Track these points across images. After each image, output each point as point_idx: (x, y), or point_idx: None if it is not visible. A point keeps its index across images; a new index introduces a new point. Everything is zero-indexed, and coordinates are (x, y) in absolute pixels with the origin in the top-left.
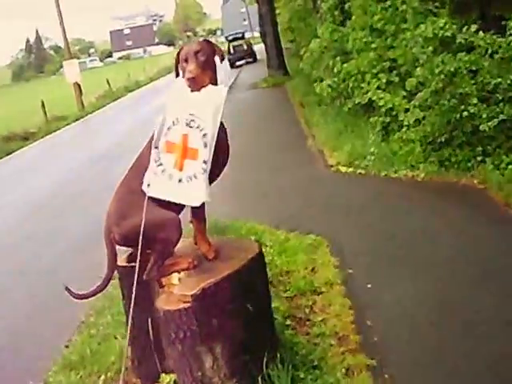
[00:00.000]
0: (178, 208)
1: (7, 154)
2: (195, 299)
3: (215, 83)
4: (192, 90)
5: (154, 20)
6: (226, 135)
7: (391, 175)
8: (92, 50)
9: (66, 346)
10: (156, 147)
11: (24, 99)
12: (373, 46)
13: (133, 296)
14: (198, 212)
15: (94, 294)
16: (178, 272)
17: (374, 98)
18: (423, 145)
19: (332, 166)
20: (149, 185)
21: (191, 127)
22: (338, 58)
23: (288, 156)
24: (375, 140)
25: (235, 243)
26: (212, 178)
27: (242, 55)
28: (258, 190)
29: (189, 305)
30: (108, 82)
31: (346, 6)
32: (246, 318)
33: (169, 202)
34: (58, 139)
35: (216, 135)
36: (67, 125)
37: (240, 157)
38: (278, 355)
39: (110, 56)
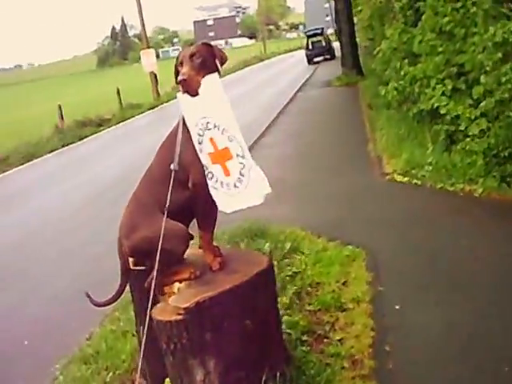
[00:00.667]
0: (187, 219)
1: (80, 139)
2: (188, 312)
3: None
4: (192, 95)
5: (238, 12)
6: None
7: (447, 188)
8: (176, 40)
9: (87, 338)
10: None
11: (104, 85)
12: (440, 49)
13: (148, 300)
14: (204, 222)
15: (108, 303)
16: (180, 282)
17: (438, 105)
18: (486, 157)
19: (388, 174)
20: (221, 204)
21: (210, 129)
22: (406, 61)
23: (345, 160)
24: (435, 149)
25: (245, 256)
26: None
27: (320, 51)
28: (307, 194)
29: (181, 317)
30: None
31: (419, 5)
32: (244, 334)
33: (179, 214)
34: (130, 127)
35: (235, 122)
36: (141, 113)
37: (297, 156)
38: (280, 373)
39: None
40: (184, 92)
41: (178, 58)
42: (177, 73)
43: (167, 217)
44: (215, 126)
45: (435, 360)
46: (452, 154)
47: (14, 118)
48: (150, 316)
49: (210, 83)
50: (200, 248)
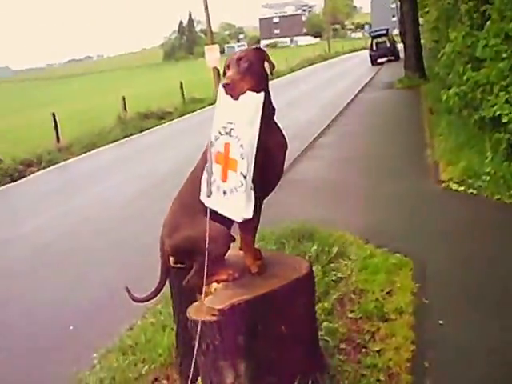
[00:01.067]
0: (230, 221)
1: (141, 131)
2: (222, 314)
3: (258, 91)
4: (233, 98)
5: (304, 10)
6: (283, 152)
7: (505, 200)
8: (241, 36)
9: (129, 329)
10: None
11: (169, 79)
12: (504, 55)
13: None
14: (246, 224)
15: (146, 299)
16: (218, 282)
17: (501, 113)
18: None
19: (443, 181)
20: (205, 196)
21: (231, 136)
22: (470, 65)
23: (401, 164)
24: (494, 159)
25: (286, 260)
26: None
27: (385, 52)
28: (359, 197)
29: (214, 319)
30: None
31: (485, 8)
32: (278, 339)
33: (221, 215)
34: (191, 121)
35: (255, 148)
36: (203, 107)
37: (353, 159)
38: (313, 381)
39: (258, 43)
40: (227, 94)
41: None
42: (225, 74)
43: (210, 218)
44: (236, 137)
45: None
46: None
47: (80, 108)
48: (186, 315)
49: (253, 101)
50: (240, 250)
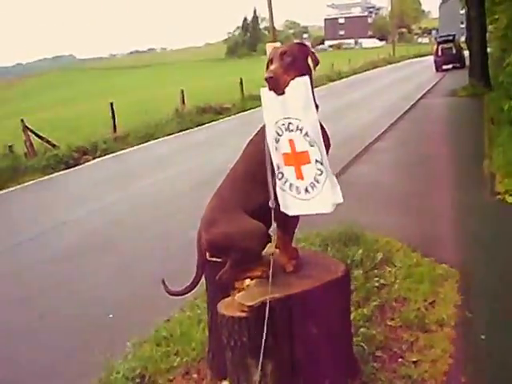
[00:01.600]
0: (268, 219)
1: (197, 125)
2: (252, 311)
3: None
4: (277, 94)
5: (370, 12)
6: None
7: None
8: (305, 36)
9: (167, 320)
10: (273, 165)
11: (230, 75)
12: None
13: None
14: (284, 222)
15: (183, 293)
16: (251, 278)
17: None
18: None
19: (498, 193)
20: (284, 205)
21: (292, 131)
22: None
23: (456, 174)
24: None
25: (323, 261)
26: None
27: (450, 59)
28: (412, 204)
29: (244, 315)
30: None
31: None
32: (308, 341)
33: (260, 214)
34: (248, 117)
35: (319, 129)
36: (261, 105)
37: (409, 165)
38: None
39: (322, 43)
40: (270, 89)
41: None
42: (267, 69)
43: (248, 215)
44: (298, 129)
45: None
46: None
47: (139, 99)
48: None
49: (300, 85)
50: (276, 248)
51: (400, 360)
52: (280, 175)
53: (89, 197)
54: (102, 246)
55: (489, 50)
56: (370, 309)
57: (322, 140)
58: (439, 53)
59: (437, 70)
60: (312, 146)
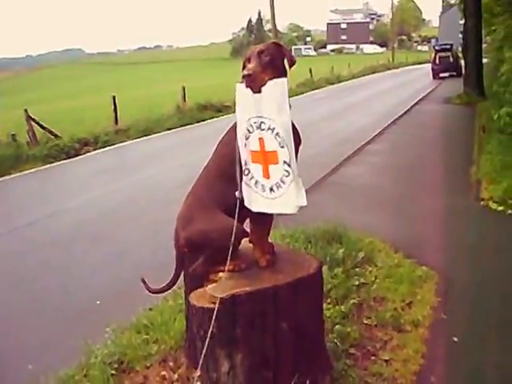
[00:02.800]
0: (243, 216)
1: (198, 122)
2: (221, 303)
3: None
4: (254, 92)
5: (372, 18)
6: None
7: None
8: (308, 39)
9: (150, 309)
10: (241, 160)
11: (232, 74)
12: None
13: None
14: (258, 217)
15: (162, 291)
16: (224, 271)
17: None
18: None
19: (483, 199)
20: (249, 201)
21: (263, 130)
22: None
23: (444, 178)
24: None
25: (297, 258)
26: None
27: (447, 67)
28: (398, 206)
29: (213, 306)
30: (310, 71)
31: None
32: (278, 335)
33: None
34: None
35: (291, 132)
36: None
37: (399, 168)
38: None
39: (324, 47)
40: (247, 87)
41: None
42: (244, 68)
43: (223, 212)
44: (269, 128)
45: None
46: None
47: (143, 94)
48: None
49: (277, 86)
50: (250, 242)
51: (373, 358)
52: (247, 171)
53: (86, 186)
54: (96, 235)
55: (485, 60)
56: (347, 307)
57: (292, 142)
58: (437, 61)
59: (434, 78)
60: (282, 147)
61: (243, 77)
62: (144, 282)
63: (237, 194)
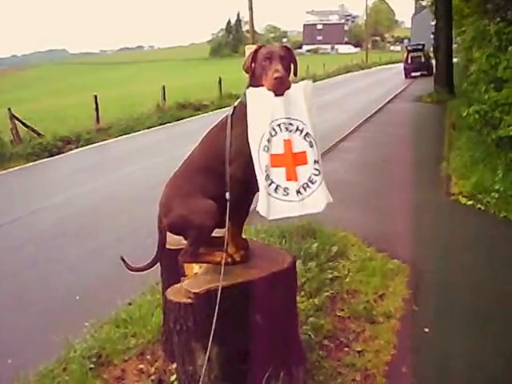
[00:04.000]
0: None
1: (177, 120)
2: (197, 298)
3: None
4: (276, 94)
5: (347, 20)
6: None
7: (510, 218)
8: (285, 40)
9: (129, 304)
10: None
11: (211, 74)
12: None
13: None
14: (233, 215)
15: (141, 269)
16: (211, 263)
17: None
18: None
19: (453, 194)
20: (267, 209)
21: (291, 131)
22: (492, 85)
23: (415, 174)
24: (505, 177)
25: (271, 253)
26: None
27: (419, 67)
28: (371, 201)
29: (190, 301)
30: None
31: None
32: (253, 329)
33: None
34: (224, 114)
35: (316, 130)
36: None
37: (372, 164)
38: (285, 373)
39: (300, 48)
40: (274, 89)
41: (257, 51)
42: (251, 64)
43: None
44: (297, 129)
45: None
46: None
47: (124, 93)
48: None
49: (306, 88)
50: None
51: (346, 349)
52: (268, 179)
53: (69, 184)
54: (77, 231)
55: (455, 60)
56: (321, 299)
57: (318, 142)
58: (409, 60)
59: (406, 77)
60: (311, 146)
61: (275, 79)
62: (124, 260)
63: (227, 195)
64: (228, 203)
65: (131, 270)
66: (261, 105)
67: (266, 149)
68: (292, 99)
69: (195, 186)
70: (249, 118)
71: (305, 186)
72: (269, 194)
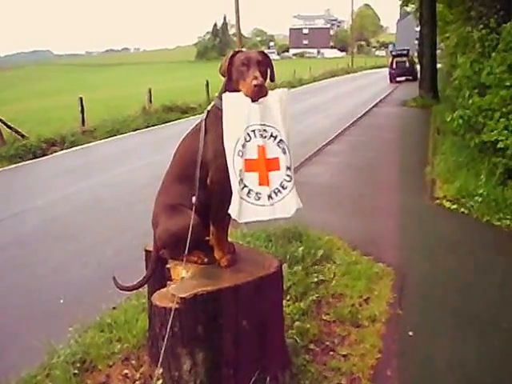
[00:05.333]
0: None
1: (163, 123)
2: (184, 303)
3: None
4: (253, 100)
5: (333, 24)
6: None
7: (493, 222)
8: (272, 44)
9: (114, 308)
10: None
11: (198, 77)
12: (507, 83)
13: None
14: (217, 219)
15: (134, 288)
16: (189, 262)
17: (497, 138)
18: None
19: (437, 198)
20: (238, 212)
21: (265, 137)
22: (476, 91)
23: (400, 178)
24: (488, 182)
25: (257, 257)
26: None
27: (403, 72)
28: (356, 205)
29: (176, 306)
30: None
31: (493, 37)
32: (239, 333)
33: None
34: None
35: (290, 138)
36: None
37: (357, 168)
38: (271, 378)
39: (287, 51)
40: (253, 96)
41: (233, 56)
42: (228, 68)
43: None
44: (272, 136)
45: None
46: (506, 189)
47: (110, 95)
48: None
49: (283, 95)
50: (211, 243)
51: (331, 353)
52: (241, 182)
53: (53, 186)
54: (61, 234)
55: (439, 65)
56: (306, 303)
57: (290, 149)
58: (394, 65)
59: (390, 81)
60: (284, 153)
61: (254, 86)
62: (115, 280)
63: (193, 199)
64: (212, 207)
65: (121, 289)
66: (237, 110)
67: (241, 154)
68: (268, 106)
69: (176, 198)
70: (224, 122)
71: (276, 191)
72: (241, 198)
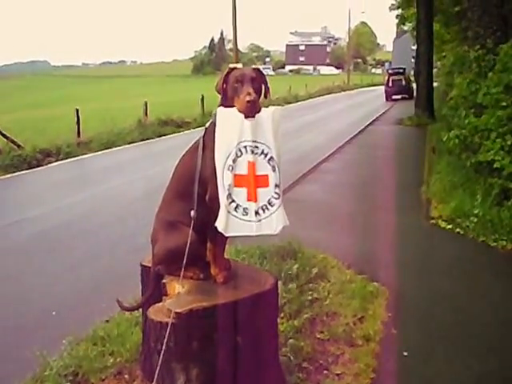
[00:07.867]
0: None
1: (158, 136)
2: (179, 318)
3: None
4: (246, 117)
5: (329, 42)
6: None
7: (489, 243)
8: (268, 59)
9: (107, 321)
10: (223, 184)
11: (193, 91)
12: (504, 103)
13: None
14: (215, 235)
15: (135, 308)
16: (185, 278)
17: (493, 159)
18: None
19: (433, 218)
20: (224, 226)
21: (256, 154)
22: (472, 111)
23: (395, 197)
24: (484, 202)
25: (253, 274)
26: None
27: (399, 90)
28: (350, 224)
29: (172, 321)
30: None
31: (491, 57)
32: (234, 350)
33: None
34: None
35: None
36: None
37: (352, 186)
38: None
39: (283, 67)
40: (246, 112)
41: (228, 73)
42: (223, 85)
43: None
44: (263, 153)
45: None
46: (502, 210)
47: (106, 107)
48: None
49: (275, 113)
50: (208, 260)
51: (325, 372)
52: (229, 197)
53: (46, 197)
54: (53, 246)
55: (436, 84)
56: (300, 321)
57: (280, 167)
58: (390, 83)
59: (386, 100)
60: (274, 171)
61: (247, 102)
62: (118, 301)
63: (192, 213)
64: (210, 224)
65: (125, 310)
66: (230, 125)
67: (231, 168)
68: (260, 123)
69: (175, 215)
70: (217, 136)
71: (264, 207)
72: (228, 212)
